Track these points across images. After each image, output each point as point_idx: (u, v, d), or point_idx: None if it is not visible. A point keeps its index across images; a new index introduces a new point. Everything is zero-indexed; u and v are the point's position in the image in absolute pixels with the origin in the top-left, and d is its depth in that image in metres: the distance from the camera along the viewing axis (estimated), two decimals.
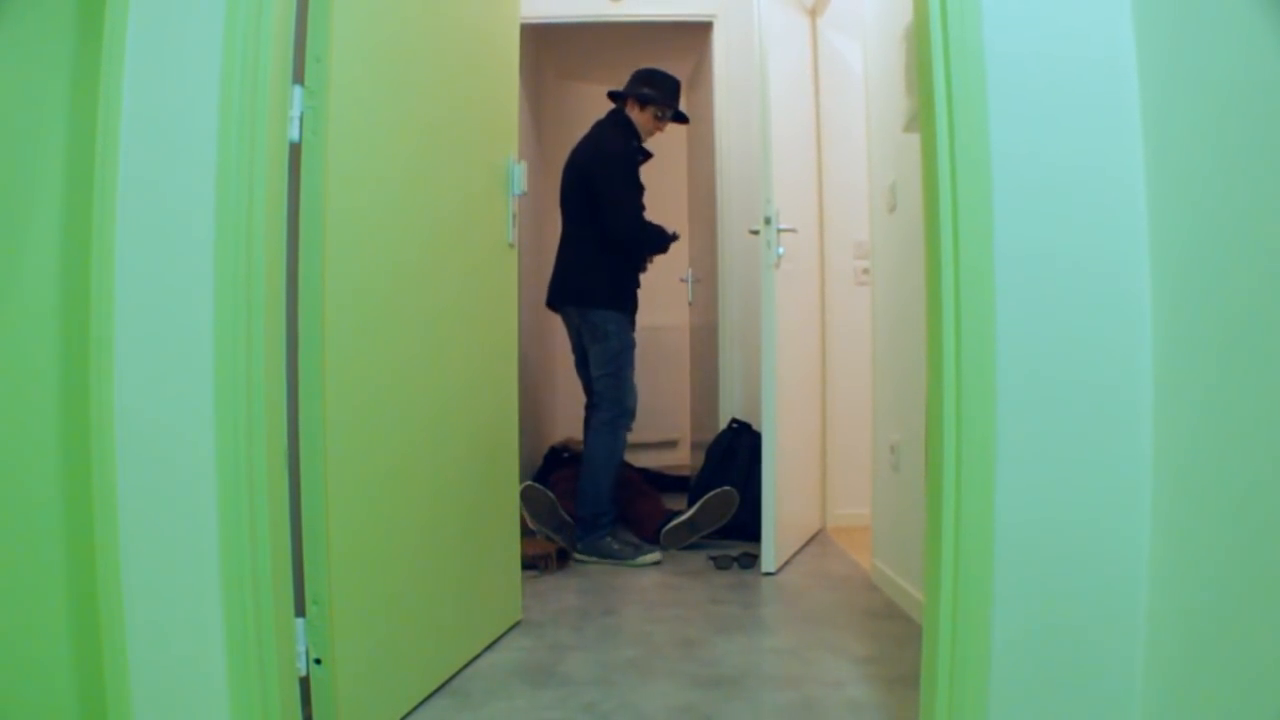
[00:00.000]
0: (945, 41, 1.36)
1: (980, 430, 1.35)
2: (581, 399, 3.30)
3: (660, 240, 3.23)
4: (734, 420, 3.60)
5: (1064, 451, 1.36)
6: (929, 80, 1.40)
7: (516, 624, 2.34)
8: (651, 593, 2.69)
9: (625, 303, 3.18)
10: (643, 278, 3.30)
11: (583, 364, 3.24)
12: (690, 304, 4.38)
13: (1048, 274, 1.36)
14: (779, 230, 2.83)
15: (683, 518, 3.23)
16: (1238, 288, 1.15)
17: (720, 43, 3.86)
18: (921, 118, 1.44)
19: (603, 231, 3.12)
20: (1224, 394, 1.18)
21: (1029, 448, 1.36)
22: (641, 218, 3.20)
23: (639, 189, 3.20)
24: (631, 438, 3.26)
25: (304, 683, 1.53)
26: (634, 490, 3.47)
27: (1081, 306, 1.36)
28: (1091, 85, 1.37)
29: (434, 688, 1.88)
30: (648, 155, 3.28)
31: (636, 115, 3.24)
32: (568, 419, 4.66)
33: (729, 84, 3.84)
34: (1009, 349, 1.36)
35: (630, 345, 3.16)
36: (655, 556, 3.04)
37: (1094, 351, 1.36)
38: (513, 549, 2.34)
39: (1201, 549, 1.23)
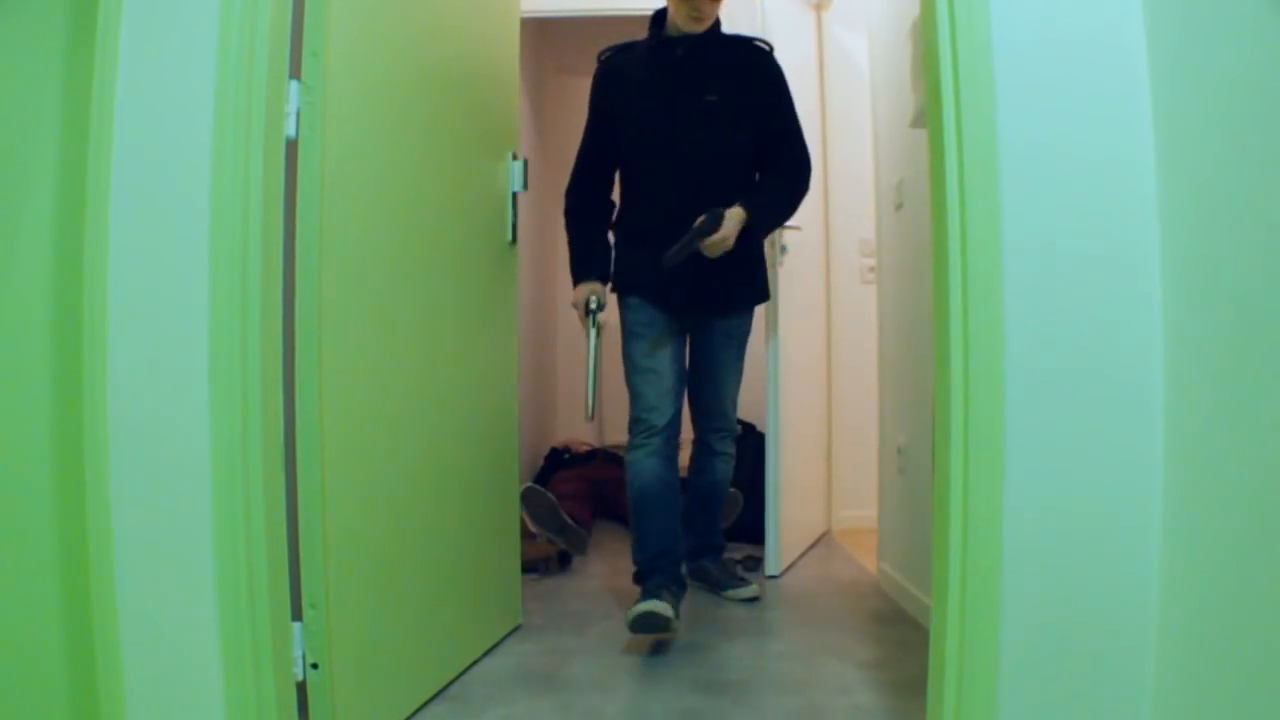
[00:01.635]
0: (952, 31, 1.34)
1: (988, 431, 1.33)
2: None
3: (572, 261, 2.41)
4: (738, 421, 3.57)
5: (1073, 452, 1.34)
6: (935, 72, 1.38)
7: (516, 628, 2.32)
8: None
9: (618, 279, 2.41)
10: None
11: None
12: None
13: (1056, 270, 1.34)
14: (783, 227, 2.80)
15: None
16: (1251, 280, 1.13)
17: None
18: (928, 110, 1.42)
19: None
20: (1236, 389, 1.15)
21: (1037, 449, 1.34)
22: (572, 187, 2.42)
23: (602, 124, 2.37)
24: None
25: (300, 688, 1.51)
26: None
27: (1091, 303, 1.34)
28: (1101, 75, 1.34)
29: (432, 693, 1.86)
30: (675, 45, 2.28)
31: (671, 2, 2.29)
32: (569, 420, 4.64)
33: None
34: (1017, 347, 1.34)
35: (629, 335, 2.36)
36: (752, 591, 2.56)
37: (1103, 349, 1.34)
38: (513, 551, 2.32)
39: (1214, 551, 1.21)
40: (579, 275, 2.40)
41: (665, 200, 2.30)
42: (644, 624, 2.06)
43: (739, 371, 2.49)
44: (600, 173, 2.43)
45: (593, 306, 2.35)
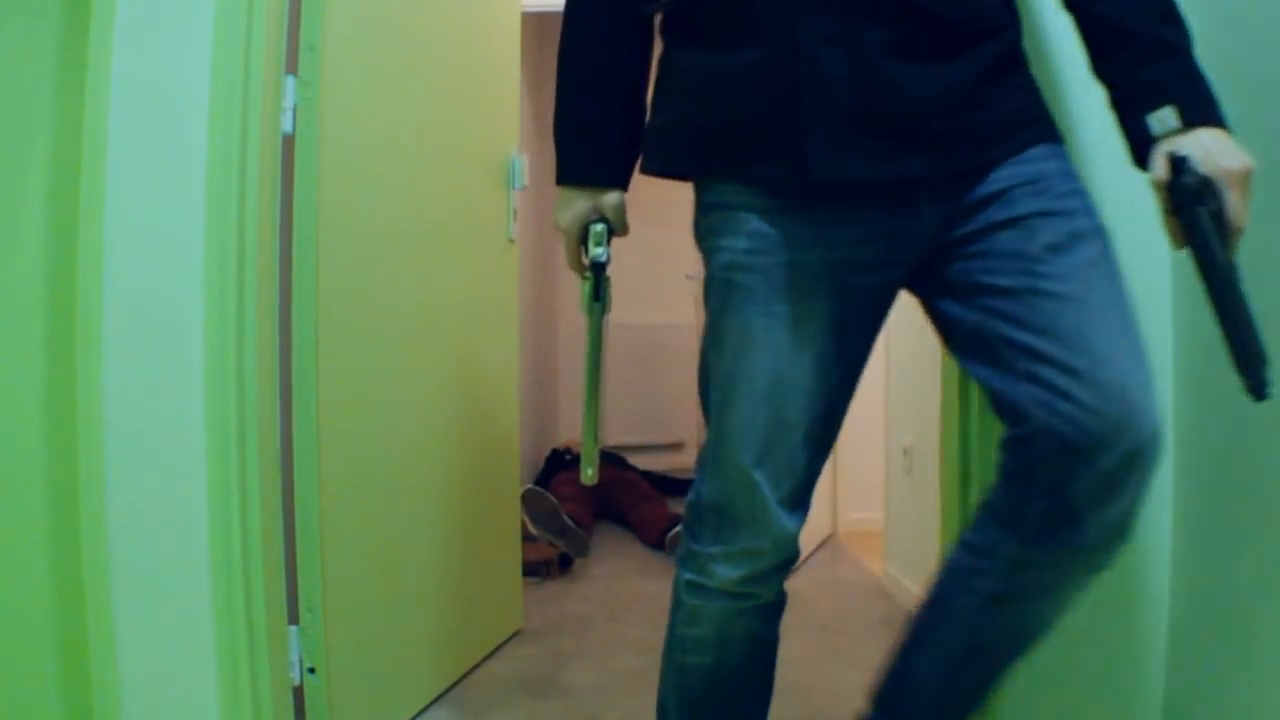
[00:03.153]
0: None
1: (995, 429, 1.31)
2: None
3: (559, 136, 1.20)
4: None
5: None
6: None
7: (517, 632, 2.30)
8: (656, 600, 2.64)
9: (674, 141, 1.09)
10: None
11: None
12: (697, 302, 4.34)
13: None
14: None
15: None
16: (1265, 269, 1.10)
17: None
18: None
19: None
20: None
21: None
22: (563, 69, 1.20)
23: None
24: (635, 439, 3.09)
25: (297, 692, 1.50)
26: (638, 494, 3.42)
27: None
28: None
29: (432, 698, 1.84)
30: None
31: None
32: (570, 421, 4.62)
33: None
34: None
35: (714, 290, 1.05)
36: None
37: None
38: (513, 554, 2.31)
39: (1226, 545, 1.20)
40: (571, 166, 1.18)
41: None
42: None
43: (1117, 288, 0.99)
44: None
45: (595, 246, 1.14)
